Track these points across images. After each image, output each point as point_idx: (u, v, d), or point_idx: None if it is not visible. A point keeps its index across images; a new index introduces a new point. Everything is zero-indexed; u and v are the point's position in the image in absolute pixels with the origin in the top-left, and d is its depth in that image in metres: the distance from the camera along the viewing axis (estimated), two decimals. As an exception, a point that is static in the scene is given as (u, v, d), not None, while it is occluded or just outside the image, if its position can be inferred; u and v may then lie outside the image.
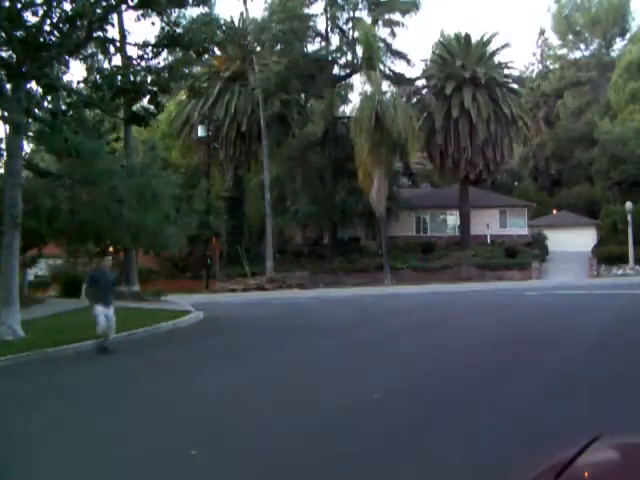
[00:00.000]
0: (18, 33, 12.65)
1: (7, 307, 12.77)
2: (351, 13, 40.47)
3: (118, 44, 16.11)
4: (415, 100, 41.42)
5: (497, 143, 38.78)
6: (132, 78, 14.35)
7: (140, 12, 14.30)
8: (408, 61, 41.34)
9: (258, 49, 38.22)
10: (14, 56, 13.06)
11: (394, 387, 7.25)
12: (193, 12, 15.12)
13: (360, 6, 40.11)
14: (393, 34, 40.34)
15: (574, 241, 40.61)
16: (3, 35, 12.83)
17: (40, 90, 13.90)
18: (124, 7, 14.50)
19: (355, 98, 65.31)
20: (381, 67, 38.18)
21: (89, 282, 12.29)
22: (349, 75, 42.89)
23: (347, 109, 44.39)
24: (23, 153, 15.37)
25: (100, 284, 11.84)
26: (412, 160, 41.57)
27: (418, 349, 10.45)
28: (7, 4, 12.46)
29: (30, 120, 14.06)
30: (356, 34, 39.37)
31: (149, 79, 14.48)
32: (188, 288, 33.31)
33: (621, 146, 40.26)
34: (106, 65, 15.17)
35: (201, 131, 37.77)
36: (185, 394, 7.46)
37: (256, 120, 37.77)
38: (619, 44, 58.02)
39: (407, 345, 11.04)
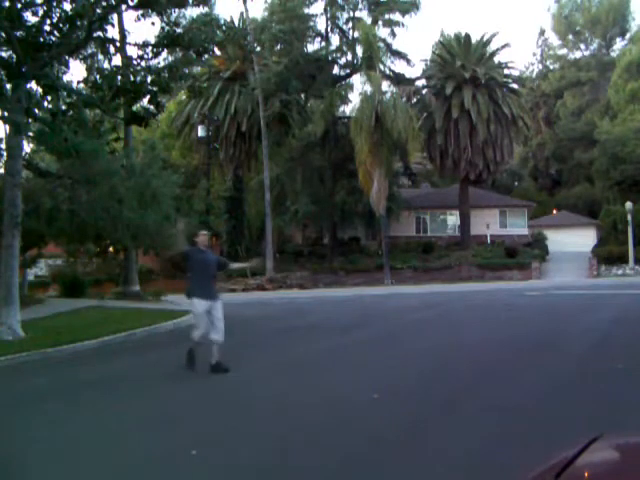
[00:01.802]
0: (18, 33, 12.65)
1: (7, 307, 12.77)
2: (351, 13, 40.50)
3: (118, 44, 16.11)
4: (415, 100, 41.43)
5: (497, 143, 38.79)
6: (132, 78, 14.36)
7: (140, 12, 14.31)
8: (408, 61, 41.40)
9: (258, 49, 38.22)
10: (14, 56, 13.07)
11: (394, 387, 7.25)
12: (193, 12, 15.17)
13: (360, 6, 40.13)
14: (393, 34, 40.39)
15: (574, 241, 40.64)
16: (3, 35, 12.84)
17: (40, 90, 13.90)
18: (124, 7, 14.52)
19: (355, 98, 65.42)
20: (381, 67, 38.18)
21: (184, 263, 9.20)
22: (349, 75, 42.90)
23: (347, 109, 44.44)
24: (23, 153, 15.37)
25: (196, 267, 8.65)
26: (412, 160, 41.64)
27: (419, 349, 10.45)
28: (7, 4, 12.46)
29: (30, 120, 14.06)
30: (356, 34, 39.38)
31: (149, 79, 14.49)
32: (188, 288, 33.23)
33: (621, 146, 40.27)
34: (106, 65, 15.18)
35: (201, 131, 37.81)
36: (184, 394, 7.46)
37: (256, 120, 37.78)
38: (619, 44, 58.15)
39: (408, 345, 11.04)
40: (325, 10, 40.29)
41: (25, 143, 16.52)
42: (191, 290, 8.58)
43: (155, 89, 14.44)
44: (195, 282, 8.56)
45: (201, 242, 9.02)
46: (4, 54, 13.46)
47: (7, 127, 13.87)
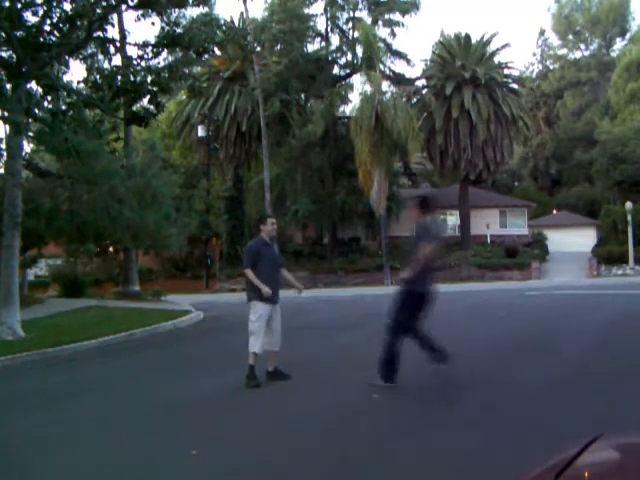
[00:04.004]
0: (18, 33, 12.66)
1: (7, 307, 12.77)
2: (351, 13, 40.51)
3: (118, 44, 16.12)
4: (415, 100, 41.45)
5: (497, 143, 38.81)
6: (132, 78, 14.38)
7: (140, 12, 14.33)
8: (408, 61, 41.43)
9: (258, 49, 38.24)
10: (14, 56, 13.07)
11: (393, 386, 7.25)
12: (193, 12, 15.17)
13: (360, 6, 40.14)
14: (393, 34, 40.40)
15: (574, 241, 40.65)
16: (3, 35, 12.85)
17: (40, 90, 13.91)
18: (124, 7, 14.55)
19: (355, 98, 65.51)
20: (381, 67, 38.19)
21: (251, 259, 7.42)
22: (349, 75, 42.90)
23: (347, 109, 44.44)
24: (23, 153, 15.38)
25: (263, 266, 7.34)
26: (412, 160, 41.61)
27: (418, 348, 10.42)
28: (7, 4, 12.47)
29: (30, 120, 14.07)
30: (356, 34, 39.39)
31: (149, 79, 14.51)
32: (188, 288, 33.35)
33: (621, 146, 40.27)
34: (106, 65, 15.20)
35: (201, 131, 37.82)
36: (184, 394, 7.46)
37: (256, 120, 37.79)
38: (619, 44, 58.19)
39: (406, 344, 11.01)
40: (325, 10, 40.31)
41: (25, 143, 16.56)
42: (253, 292, 7.43)
43: (155, 89, 14.46)
44: (263, 281, 7.30)
45: (267, 232, 7.51)
46: (4, 54, 13.48)
47: (7, 127, 13.88)
